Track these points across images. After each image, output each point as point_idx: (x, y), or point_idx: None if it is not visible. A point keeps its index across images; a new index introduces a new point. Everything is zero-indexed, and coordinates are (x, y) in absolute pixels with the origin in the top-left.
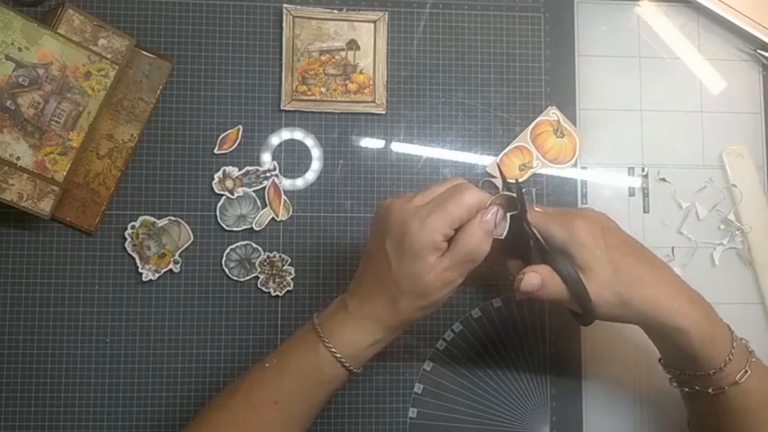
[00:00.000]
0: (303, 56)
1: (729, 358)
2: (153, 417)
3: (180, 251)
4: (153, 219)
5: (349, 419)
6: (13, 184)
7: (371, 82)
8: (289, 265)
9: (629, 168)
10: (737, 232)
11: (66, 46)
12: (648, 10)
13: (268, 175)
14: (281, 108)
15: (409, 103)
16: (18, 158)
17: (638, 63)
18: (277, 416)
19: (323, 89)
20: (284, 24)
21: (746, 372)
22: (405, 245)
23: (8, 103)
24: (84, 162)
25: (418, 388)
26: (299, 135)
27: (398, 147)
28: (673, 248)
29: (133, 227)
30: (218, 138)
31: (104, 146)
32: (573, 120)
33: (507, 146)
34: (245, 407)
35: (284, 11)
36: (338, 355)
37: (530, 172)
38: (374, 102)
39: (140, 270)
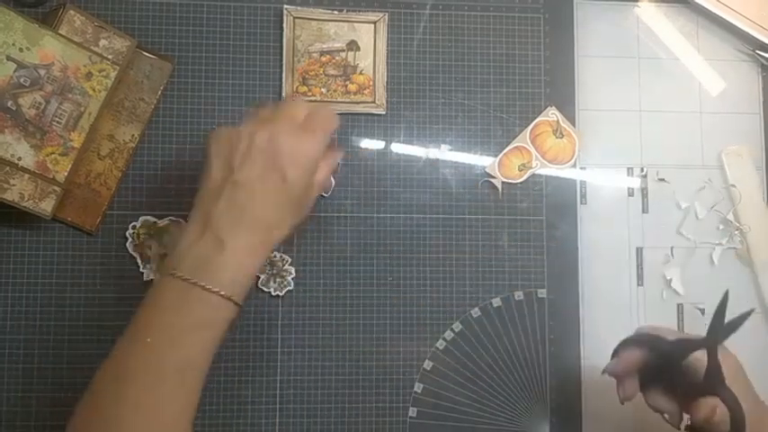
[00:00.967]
0: (303, 57)
1: None
2: None
3: None
4: (154, 219)
5: (349, 419)
6: (14, 185)
7: (371, 83)
8: (289, 264)
9: (629, 168)
10: (736, 232)
11: (68, 47)
12: (648, 11)
13: None
14: None
15: (409, 104)
16: (19, 159)
17: (637, 63)
18: (180, 384)
19: (323, 90)
20: (284, 25)
21: None
22: (294, 164)
23: (9, 103)
24: (86, 162)
25: (418, 388)
26: None
27: (398, 147)
28: (672, 248)
29: (134, 227)
30: None
31: (105, 146)
32: (572, 120)
33: (507, 146)
34: (144, 391)
35: (284, 12)
36: (222, 293)
37: (529, 172)
38: (374, 102)
39: (141, 270)
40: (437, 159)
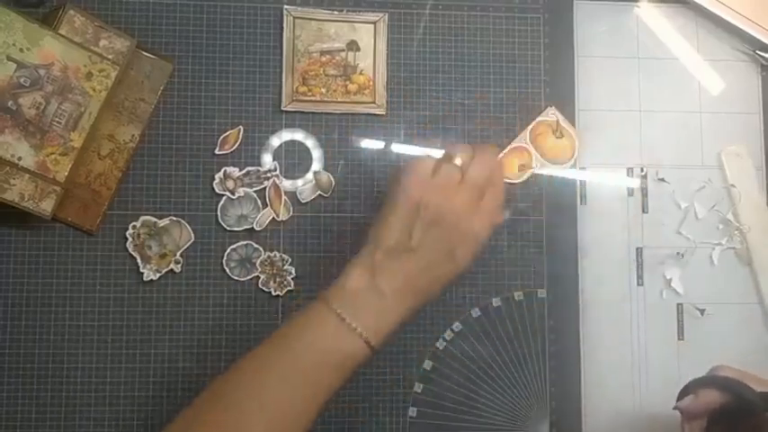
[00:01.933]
0: (303, 57)
1: None
2: (154, 416)
3: (181, 251)
4: (154, 219)
5: (349, 419)
6: (14, 185)
7: (371, 83)
8: (289, 264)
9: (628, 169)
10: (736, 232)
11: (68, 47)
12: (647, 11)
13: (269, 175)
14: (282, 109)
15: (409, 104)
16: (19, 159)
17: (636, 64)
18: (297, 399)
19: (323, 90)
20: (284, 25)
21: None
22: (470, 237)
23: (9, 103)
24: (86, 162)
25: (418, 388)
26: (299, 136)
27: (398, 147)
28: (678, 251)
29: (134, 227)
30: (218, 138)
31: (106, 146)
32: (572, 120)
33: (507, 146)
34: (254, 383)
35: (284, 12)
36: (365, 335)
37: (529, 172)
38: (374, 102)
39: (141, 270)
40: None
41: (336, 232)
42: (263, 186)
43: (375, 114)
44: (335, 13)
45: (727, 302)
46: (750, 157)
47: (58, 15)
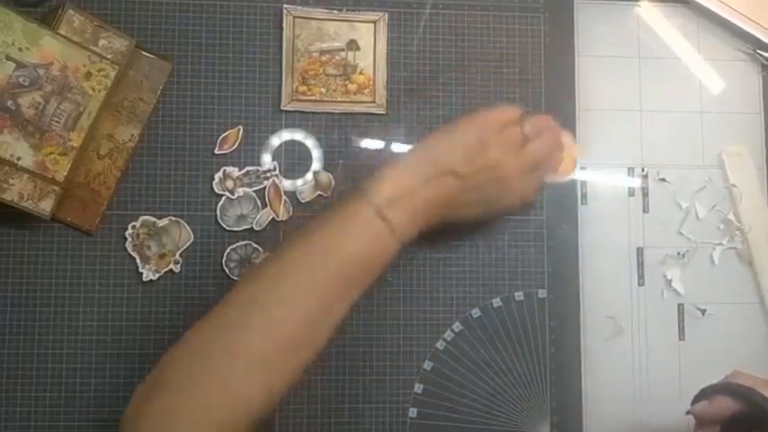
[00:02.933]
0: (303, 56)
1: None
2: None
3: (180, 251)
4: (153, 219)
5: (349, 419)
6: (13, 184)
7: (371, 82)
8: None
9: (629, 168)
10: (737, 232)
11: (67, 46)
12: (648, 10)
13: (268, 175)
14: (282, 108)
15: (409, 104)
16: (18, 158)
17: (637, 63)
18: (341, 279)
19: (323, 89)
20: (284, 25)
21: None
22: (502, 198)
23: (9, 103)
24: (85, 162)
25: (418, 388)
26: (299, 135)
27: (398, 147)
28: (678, 251)
29: (134, 227)
30: (218, 138)
31: (105, 146)
32: (572, 120)
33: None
34: (305, 268)
35: (284, 11)
36: (397, 233)
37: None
38: (374, 102)
39: (141, 270)
40: None
41: None
42: (262, 186)
43: (375, 114)
44: (335, 12)
45: (728, 302)
46: (751, 156)
47: (57, 15)
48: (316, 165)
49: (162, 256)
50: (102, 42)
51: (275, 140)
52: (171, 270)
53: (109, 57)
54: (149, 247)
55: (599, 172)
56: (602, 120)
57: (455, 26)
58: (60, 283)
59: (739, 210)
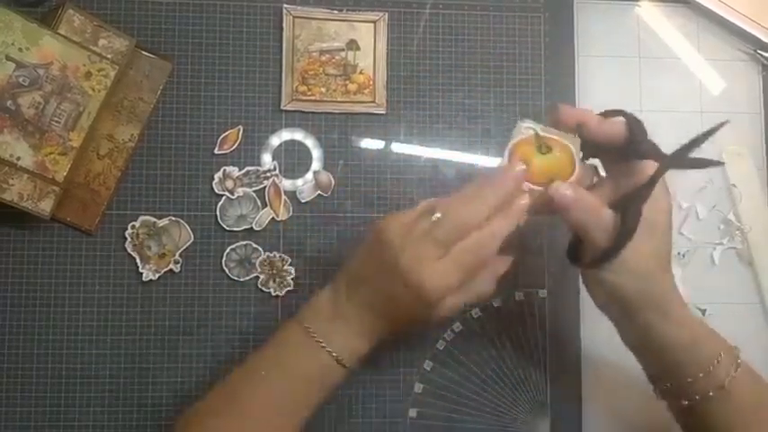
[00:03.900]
0: (303, 56)
1: (717, 361)
2: (153, 417)
3: (180, 251)
4: (153, 219)
5: (349, 419)
6: (13, 185)
7: (371, 82)
8: (289, 265)
9: None
10: (737, 232)
11: (67, 46)
12: (648, 10)
13: (268, 175)
14: (282, 108)
15: (409, 103)
16: (18, 159)
17: (637, 63)
18: (272, 415)
19: (323, 89)
20: (284, 25)
21: (733, 376)
22: (414, 291)
23: (8, 103)
24: (85, 162)
25: (418, 388)
26: (299, 135)
27: (398, 147)
28: (679, 252)
29: (133, 227)
30: (218, 138)
31: (105, 146)
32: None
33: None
34: (237, 407)
35: (284, 11)
36: (334, 354)
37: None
38: (374, 102)
39: (141, 270)
40: (437, 159)
41: (336, 232)
42: (262, 186)
43: (375, 114)
44: (335, 12)
45: (728, 302)
46: (751, 156)
47: (57, 15)
48: (316, 165)
49: (162, 256)
50: (102, 42)
51: (275, 140)
52: (171, 270)
53: (109, 57)
54: (149, 247)
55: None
56: None
57: (455, 26)
58: (60, 283)
59: (739, 210)
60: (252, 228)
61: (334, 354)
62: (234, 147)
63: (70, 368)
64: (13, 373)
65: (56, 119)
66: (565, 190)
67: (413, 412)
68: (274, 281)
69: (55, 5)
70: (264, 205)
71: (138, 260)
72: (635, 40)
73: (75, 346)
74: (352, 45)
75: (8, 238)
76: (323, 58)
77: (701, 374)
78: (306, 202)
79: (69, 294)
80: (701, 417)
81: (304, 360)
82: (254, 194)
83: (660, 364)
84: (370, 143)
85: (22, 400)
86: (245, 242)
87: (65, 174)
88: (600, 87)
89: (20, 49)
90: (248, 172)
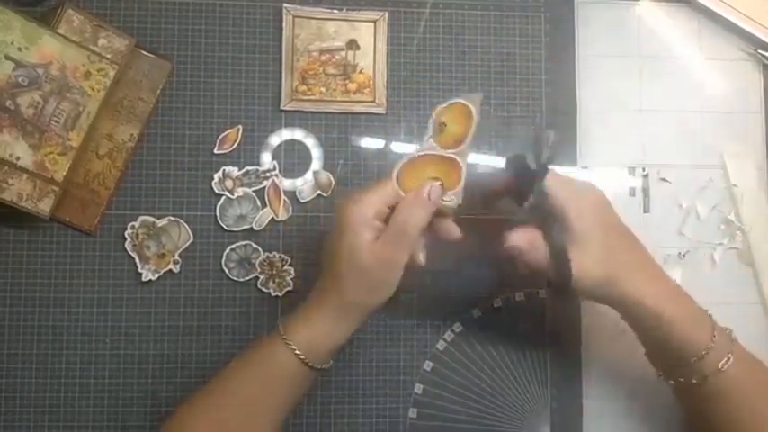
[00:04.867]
0: (303, 56)
1: (711, 346)
2: (153, 417)
3: (180, 251)
4: (153, 219)
5: (349, 419)
6: (12, 184)
7: (371, 82)
8: (289, 265)
9: (630, 168)
10: (738, 232)
11: (66, 46)
12: (649, 10)
13: (268, 175)
14: (281, 108)
15: (409, 103)
16: (18, 158)
17: (638, 63)
18: (241, 412)
19: (323, 89)
20: (284, 24)
21: (729, 359)
22: (341, 226)
23: (8, 103)
24: (84, 162)
25: (418, 388)
26: (299, 135)
27: (398, 147)
28: (679, 252)
29: (133, 227)
30: (217, 138)
31: (104, 146)
32: (573, 120)
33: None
34: (211, 404)
35: (284, 11)
36: (293, 348)
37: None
38: (374, 102)
39: (140, 270)
40: None
41: None
42: (262, 186)
43: (375, 114)
44: (335, 11)
45: (728, 302)
46: (752, 156)
47: (56, 14)
48: (315, 164)
49: (161, 256)
50: (101, 42)
51: (275, 140)
52: (170, 270)
53: (108, 56)
54: (149, 248)
55: (600, 172)
56: (602, 120)
57: (455, 26)
58: (60, 283)
59: (740, 210)
60: (251, 228)
61: (294, 348)
62: (233, 146)
63: (69, 368)
64: (13, 373)
65: (55, 119)
66: (521, 238)
67: (413, 412)
68: (274, 281)
69: (54, 5)
70: (264, 205)
71: (137, 260)
72: (635, 40)
73: (75, 345)
74: (352, 45)
75: (8, 239)
76: (323, 58)
77: (693, 359)
78: (306, 202)
79: (69, 294)
80: (703, 398)
81: (266, 352)
82: (254, 194)
83: (656, 348)
84: (370, 143)
85: (22, 400)
86: (244, 242)
87: (64, 174)
88: (600, 87)
89: (19, 49)
90: (248, 172)
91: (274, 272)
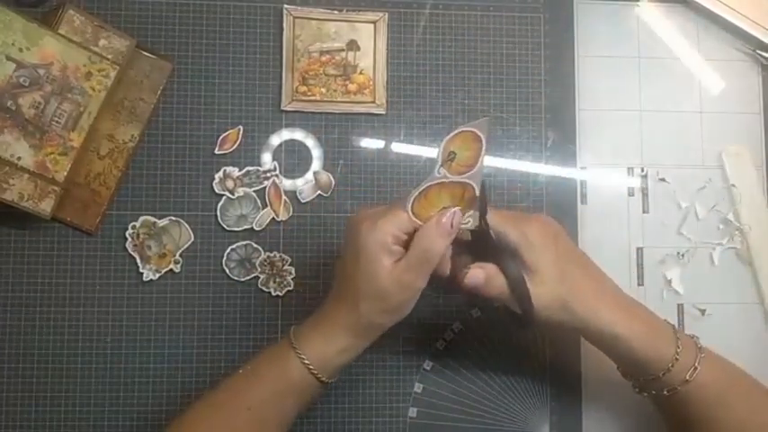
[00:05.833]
0: (303, 56)
1: (676, 358)
2: (153, 417)
3: (180, 251)
4: (153, 219)
5: (349, 419)
6: (13, 185)
7: (371, 82)
8: (289, 265)
9: (629, 168)
10: (737, 232)
11: (67, 46)
12: (648, 10)
13: (268, 175)
14: (282, 108)
15: (409, 103)
16: (19, 159)
17: (637, 63)
18: (249, 423)
19: (323, 89)
20: (284, 25)
21: (696, 368)
22: (359, 248)
23: (9, 103)
24: (85, 162)
25: (418, 388)
26: (299, 135)
27: (398, 147)
28: (678, 251)
29: (134, 227)
30: (218, 138)
31: (105, 146)
32: (572, 120)
33: (505, 146)
34: (218, 413)
35: (284, 11)
36: (307, 363)
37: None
38: (374, 102)
39: (141, 270)
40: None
41: (336, 232)
42: (262, 186)
43: (375, 114)
44: (335, 12)
45: (727, 302)
46: (751, 156)
47: (57, 15)
48: (316, 165)
49: (162, 256)
50: (102, 42)
51: (275, 140)
52: (171, 270)
53: (109, 57)
54: (149, 247)
55: (599, 172)
56: (602, 120)
57: (455, 26)
58: (60, 283)
59: (739, 210)
60: (252, 228)
61: (304, 359)
62: (234, 147)
63: (70, 368)
64: (13, 373)
65: (56, 119)
66: (478, 275)
67: (413, 412)
68: (274, 281)
69: (55, 6)
70: (265, 205)
71: (138, 260)
72: (635, 40)
73: (76, 345)
74: (352, 45)
75: (8, 239)
76: (323, 59)
77: (661, 373)
78: (306, 202)
79: (69, 294)
80: (677, 407)
81: (277, 363)
82: (255, 194)
83: (622, 364)
84: (370, 143)
85: (23, 399)
86: (245, 242)
87: (65, 174)
88: (600, 87)
89: (20, 50)
90: (248, 172)
91: (275, 272)
